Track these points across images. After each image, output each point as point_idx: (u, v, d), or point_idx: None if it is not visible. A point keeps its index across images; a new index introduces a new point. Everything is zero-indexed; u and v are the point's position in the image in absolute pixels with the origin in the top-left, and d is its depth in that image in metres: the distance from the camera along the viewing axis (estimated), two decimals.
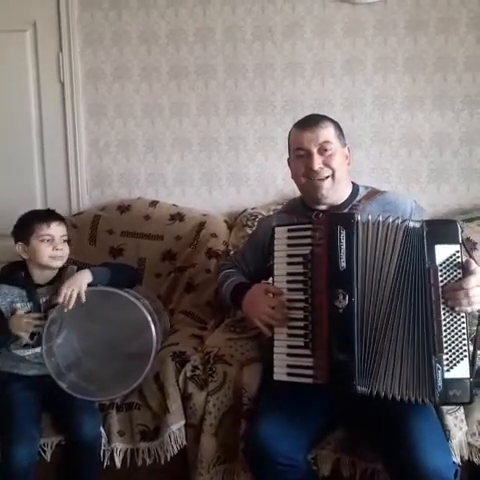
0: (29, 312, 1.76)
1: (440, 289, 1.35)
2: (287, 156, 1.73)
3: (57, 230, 1.80)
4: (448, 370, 1.34)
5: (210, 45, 2.43)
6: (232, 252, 2.21)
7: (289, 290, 1.49)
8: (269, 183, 2.49)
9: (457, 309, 1.34)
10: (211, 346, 1.77)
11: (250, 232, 2.19)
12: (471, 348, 1.38)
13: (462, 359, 1.34)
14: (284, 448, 1.42)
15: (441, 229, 1.38)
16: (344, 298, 1.37)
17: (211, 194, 2.53)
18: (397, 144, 2.40)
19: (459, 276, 1.35)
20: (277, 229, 1.53)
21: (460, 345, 1.34)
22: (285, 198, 2.41)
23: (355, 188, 1.69)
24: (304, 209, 1.68)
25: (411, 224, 1.39)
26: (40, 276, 1.82)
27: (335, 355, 1.39)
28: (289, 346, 1.47)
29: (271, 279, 1.56)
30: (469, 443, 1.56)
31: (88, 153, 2.56)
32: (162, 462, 1.71)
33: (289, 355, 1.47)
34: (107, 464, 1.72)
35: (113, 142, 2.54)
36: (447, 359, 1.34)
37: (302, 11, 2.37)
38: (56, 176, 2.56)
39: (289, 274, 1.50)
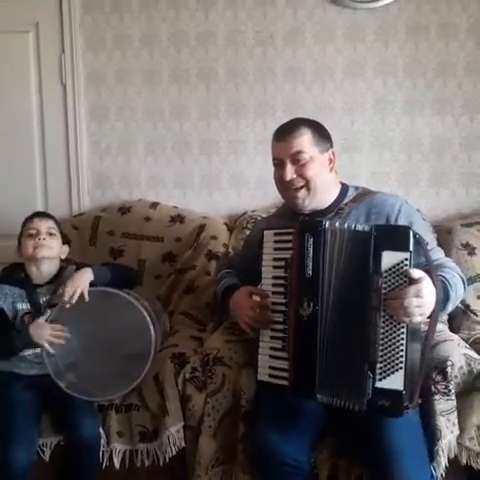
0: (29, 312, 1.77)
1: (383, 296, 1.30)
2: None
3: (40, 224, 1.83)
4: (380, 379, 1.30)
5: (211, 49, 2.44)
6: (231, 254, 2.22)
7: (273, 293, 1.50)
8: (269, 186, 2.45)
9: (395, 318, 1.30)
10: (210, 348, 1.77)
11: None
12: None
13: (397, 370, 1.29)
14: (290, 449, 1.43)
15: (391, 235, 1.33)
16: (308, 306, 1.37)
17: (211, 197, 2.53)
18: (397, 148, 2.41)
19: (405, 285, 1.29)
20: (265, 232, 1.54)
21: (396, 356, 1.29)
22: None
23: (344, 190, 1.65)
24: (293, 213, 1.66)
25: (359, 227, 1.36)
26: (38, 276, 1.83)
27: (299, 362, 1.40)
28: (271, 348, 1.49)
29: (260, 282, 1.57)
30: (467, 447, 1.56)
31: (89, 155, 2.57)
32: (161, 463, 1.72)
33: (271, 357, 1.49)
34: (106, 465, 1.72)
35: (114, 144, 2.55)
36: (381, 368, 1.30)
37: (303, 16, 2.38)
38: (57, 177, 2.57)
39: (274, 278, 1.50)
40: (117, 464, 1.72)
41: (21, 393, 1.70)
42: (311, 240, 1.38)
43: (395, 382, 1.29)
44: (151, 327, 1.70)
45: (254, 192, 2.51)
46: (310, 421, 1.52)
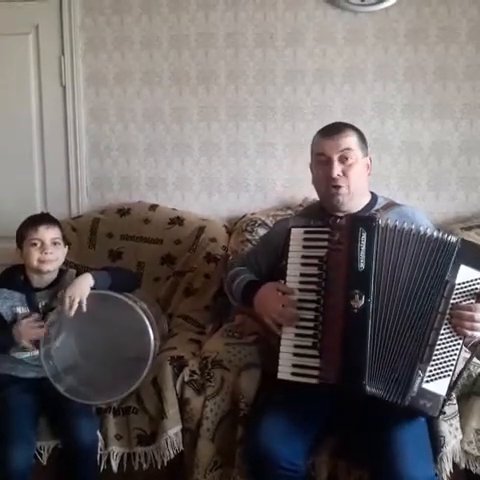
0: (27, 316, 1.75)
1: (450, 305, 1.36)
2: (309, 161, 1.75)
3: (45, 234, 1.78)
4: (428, 381, 1.36)
5: (212, 51, 2.44)
6: (231, 257, 2.22)
7: (300, 290, 1.50)
8: (269, 189, 2.50)
9: (458, 329, 1.36)
10: (209, 351, 1.77)
11: (249, 237, 2.21)
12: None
13: (445, 376, 1.36)
14: (286, 452, 1.43)
15: (474, 252, 1.39)
16: (360, 298, 1.39)
17: (211, 199, 2.53)
18: (396, 152, 2.41)
19: (472, 302, 1.38)
20: (293, 230, 1.55)
21: (448, 364, 1.37)
22: (284, 204, 2.42)
23: (374, 198, 1.71)
24: (322, 214, 1.69)
25: (447, 236, 1.40)
26: (39, 280, 1.81)
27: (347, 355, 1.40)
28: (296, 346, 1.48)
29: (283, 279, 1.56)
30: (466, 451, 1.57)
31: (89, 156, 2.57)
32: (159, 467, 1.71)
33: (295, 355, 1.47)
34: (104, 468, 1.72)
35: (114, 146, 2.55)
36: (430, 370, 1.36)
37: (303, 19, 2.38)
38: (56, 179, 2.57)
39: (302, 275, 1.50)
40: (115, 467, 1.72)
41: (19, 396, 1.69)
42: (365, 234, 1.40)
43: (440, 386, 1.36)
44: (150, 330, 1.69)
45: (254, 194, 2.50)
46: (310, 424, 1.52)
